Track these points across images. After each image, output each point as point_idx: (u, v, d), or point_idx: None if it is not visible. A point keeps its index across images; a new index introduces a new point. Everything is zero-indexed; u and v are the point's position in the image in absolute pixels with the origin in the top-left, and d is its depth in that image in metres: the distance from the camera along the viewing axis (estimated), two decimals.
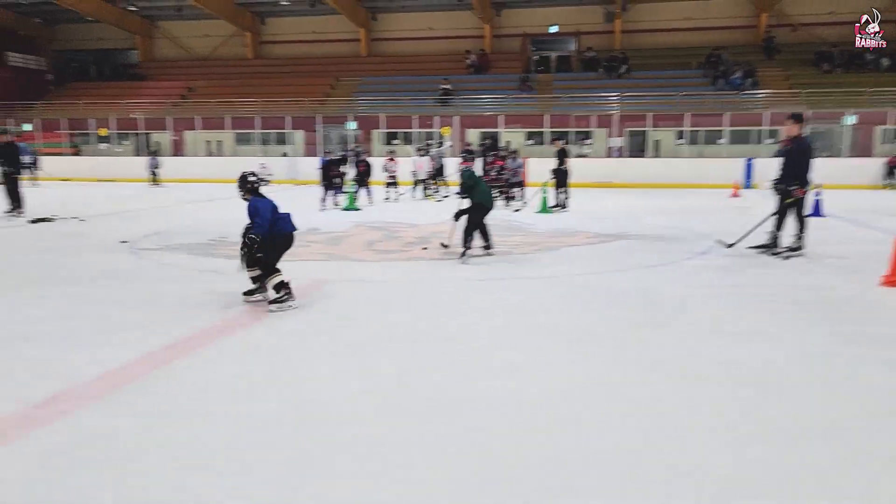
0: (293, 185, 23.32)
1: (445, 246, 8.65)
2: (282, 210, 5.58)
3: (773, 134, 22.64)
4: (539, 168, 19.26)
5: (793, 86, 24.27)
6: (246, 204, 5.47)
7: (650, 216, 12.87)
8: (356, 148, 19.32)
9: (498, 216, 13.27)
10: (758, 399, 3.55)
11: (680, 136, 23.64)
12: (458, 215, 8.39)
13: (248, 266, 5.53)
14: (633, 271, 7.29)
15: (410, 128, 25.06)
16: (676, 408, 3.44)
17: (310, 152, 26.15)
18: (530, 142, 24.77)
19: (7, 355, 4.27)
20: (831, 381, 3.85)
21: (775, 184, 8.11)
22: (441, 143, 21.68)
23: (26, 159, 22.94)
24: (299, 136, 26.96)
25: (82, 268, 7.45)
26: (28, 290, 6.15)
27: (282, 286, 5.41)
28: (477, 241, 8.27)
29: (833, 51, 25.45)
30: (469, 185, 8.24)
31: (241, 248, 5.53)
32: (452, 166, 18.09)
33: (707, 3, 28.53)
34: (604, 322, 5.14)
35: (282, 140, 27.24)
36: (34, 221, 11.80)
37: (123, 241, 9.40)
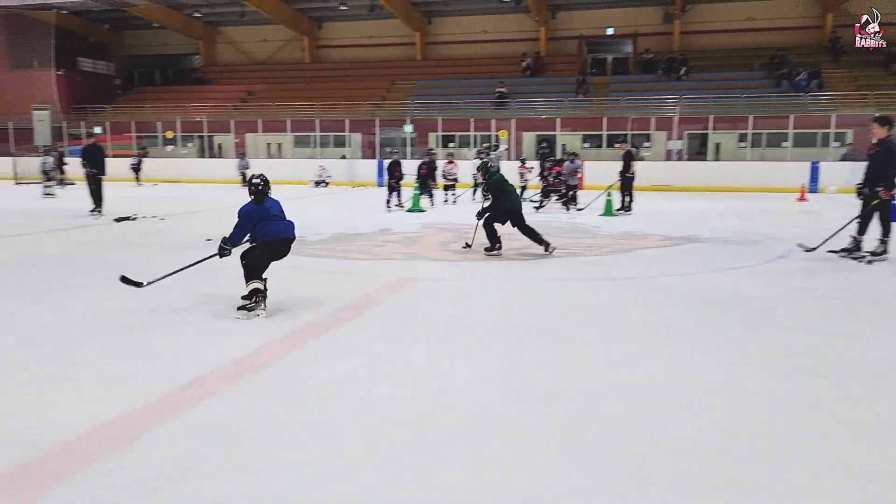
0: (351, 186, 23.78)
1: (468, 246, 8.85)
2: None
3: (839, 137, 22.10)
4: (596, 171, 19.26)
5: (861, 87, 23.63)
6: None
7: (717, 220, 12.76)
8: (429, 150, 19.47)
9: (563, 218, 13.40)
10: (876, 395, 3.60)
11: (742, 138, 23.25)
12: (480, 214, 8.60)
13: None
14: (713, 273, 7.30)
15: (467, 131, 25.23)
16: (806, 403, 3.52)
17: (367, 154, 26.61)
18: (586, 145, 24.69)
19: (139, 343, 4.58)
20: None
21: (860, 187, 8.02)
22: (497, 146, 21.84)
23: (131, 162, 24.13)
24: (356, 138, 27.42)
25: (178, 264, 7.79)
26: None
27: (256, 293, 5.26)
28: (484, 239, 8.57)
29: None
30: (495, 187, 8.48)
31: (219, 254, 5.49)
32: (512, 170, 18.26)
33: (770, 4, 27.98)
34: (700, 321, 5.22)
35: (339, 143, 27.75)
36: (118, 220, 12.36)
37: (208, 240, 9.78)
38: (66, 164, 23.15)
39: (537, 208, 14.49)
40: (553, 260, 8.18)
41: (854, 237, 8.10)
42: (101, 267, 7.51)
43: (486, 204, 8.70)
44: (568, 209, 14.52)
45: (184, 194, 19.71)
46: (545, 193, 15.27)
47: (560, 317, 5.36)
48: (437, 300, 6.00)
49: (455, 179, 17.27)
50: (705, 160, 23.41)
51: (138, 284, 5.53)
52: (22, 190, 21.34)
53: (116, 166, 24.58)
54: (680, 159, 23.44)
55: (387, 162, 16.33)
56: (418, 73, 31.20)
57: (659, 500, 2.55)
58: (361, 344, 4.58)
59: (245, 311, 5.23)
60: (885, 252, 7.93)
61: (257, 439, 3.07)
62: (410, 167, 16.95)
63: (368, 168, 24.77)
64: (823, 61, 25.75)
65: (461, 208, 15.45)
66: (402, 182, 15.47)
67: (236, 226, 5.38)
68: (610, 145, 24.27)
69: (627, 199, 13.97)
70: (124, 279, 5.52)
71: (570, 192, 15.04)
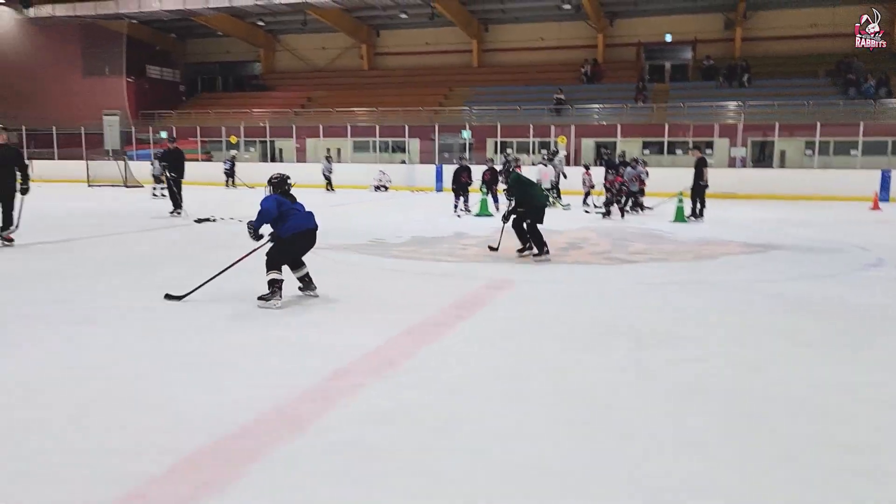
0: (410, 191, 24.09)
1: (494, 249, 8.88)
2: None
3: None
4: (659, 178, 19.09)
5: None
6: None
7: (793, 228, 12.58)
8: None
9: (633, 221, 13.40)
10: None
11: (808, 146, 22.79)
12: (506, 217, 8.68)
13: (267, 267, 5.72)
14: (811, 281, 7.24)
15: (526, 137, 25.31)
16: None
17: (425, 160, 26.90)
18: (646, 151, 24.52)
19: (273, 335, 4.82)
20: None
21: None
22: (557, 152, 21.86)
23: (225, 166, 25.02)
24: (415, 144, 27.75)
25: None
26: (247, 279, 6.69)
27: (274, 283, 5.58)
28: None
29: None
30: (517, 189, 8.54)
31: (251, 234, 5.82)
32: (575, 176, 18.29)
33: (835, 10, 27.35)
34: (822, 327, 5.23)
35: (397, 148, 28.12)
36: (198, 221, 12.82)
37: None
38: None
39: (604, 215, 14.49)
40: (639, 264, 8.23)
41: None
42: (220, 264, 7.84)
43: (511, 205, 8.69)
44: (624, 215, 14.37)
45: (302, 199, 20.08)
46: (609, 202, 15.26)
47: (674, 320, 5.42)
48: (543, 301, 6.11)
49: None
50: (770, 167, 22.99)
51: (179, 298, 5.80)
52: (95, 192, 22.18)
53: (202, 170, 25.36)
54: (744, 166, 23.10)
55: (452, 168, 16.53)
56: (475, 80, 31.44)
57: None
58: (488, 341, 4.73)
59: (264, 301, 5.56)
60: None
61: (422, 425, 3.24)
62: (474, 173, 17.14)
63: (427, 173, 25.04)
64: (891, 68, 25.06)
65: None
66: (469, 188, 15.68)
67: (260, 212, 5.69)
68: (671, 152, 24.10)
69: (699, 205, 13.86)
70: (168, 296, 5.82)
71: (633, 198, 15.03)
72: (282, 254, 5.72)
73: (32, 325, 5.04)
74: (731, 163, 23.31)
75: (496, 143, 26.14)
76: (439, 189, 24.10)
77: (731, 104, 24.91)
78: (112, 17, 30.83)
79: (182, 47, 37.91)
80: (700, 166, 13.73)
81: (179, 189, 14.04)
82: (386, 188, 24.22)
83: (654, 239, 10.80)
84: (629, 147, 24.04)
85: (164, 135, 30.06)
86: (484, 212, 14.83)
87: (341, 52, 35.26)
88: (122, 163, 25.02)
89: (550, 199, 17.72)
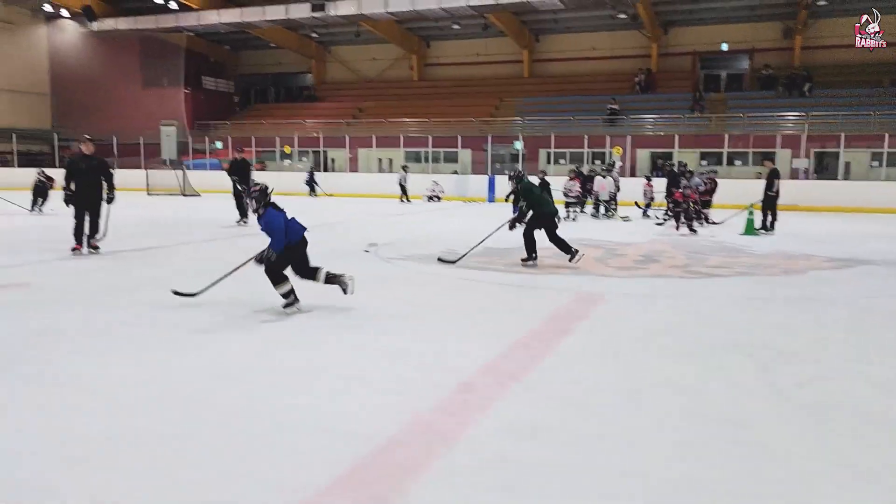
0: (462, 201, 24.06)
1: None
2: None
3: None
4: (718, 189, 18.65)
5: None
6: (266, 219, 5.68)
7: (871, 241, 12.18)
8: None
9: (703, 233, 13.13)
10: None
11: (874, 157, 22.10)
12: (513, 224, 8.76)
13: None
14: None
15: (580, 147, 25.09)
16: None
17: (477, 170, 26.87)
18: (704, 162, 24.09)
19: (383, 342, 4.81)
20: None
21: None
22: (613, 164, 21.61)
23: (305, 179, 25.47)
24: (466, 154, 27.76)
25: (357, 272, 8.12)
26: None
27: (287, 294, 5.70)
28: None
29: None
30: (526, 196, 8.51)
31: (259, 261, 5.65)
32: (630, 187, 18.07)
33: None
34: None
35: (448, 158, 28.16)
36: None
37: (366, 251, 10.14)
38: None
39: (659, 224, 14.33)
40: (725, 278, 8.03)
41: None
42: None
43: (517, 213, 8.73)
44: (693, 229, 13.41)
45: (357, 208, 19.92)
46: (668, 214, 14.98)
47: (791, 335, 5.25)
48: (642, 315, 5.98)
49: (577, 196, 17.22)
50: (836, 179, 22.35)
51: (191, 295, 5.87)
52: (154, 200, 22.67)
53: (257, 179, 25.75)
54: (807, 178, 22.51)
55: (504, 178, 16.46)
56: (525, 91, 31.37)
57: None
58: (599, 356, 4.65)
59: (289, 307, 5.70)
60: None
61: (561, 441, 3.17)
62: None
63: (479, 183, 24.99)
64: None
65: (588, 224, 15.37)
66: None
67: (274, 234, 5.61)
68: (730, 163, 23.61)
69: (770, 217, 13.52)
70: (176, 293, 5.90)
71: (695, 209, 14.64)
72: (279, 266, 5.74)
73: (171, 332, 5.12)
74: (794, 174, 22.72)
75: (549, 153, 25.98)
76: (491, 199, 24.03)
77: (792, 114, 24.33)
78: (172, 30, 31.68)
79: (235, 59, 38.73)
80: (772, 177, 13.40)
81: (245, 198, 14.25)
82: (439, 198, 24.25)
83: (733, 252, 10.54)
84: (687, 158, 23.65)
85: (219, 145, 30.72)
86: None
87: (391, 62, 35.57)
88: (180, 172, 25.61)
89: (609, 212, 17.59)
